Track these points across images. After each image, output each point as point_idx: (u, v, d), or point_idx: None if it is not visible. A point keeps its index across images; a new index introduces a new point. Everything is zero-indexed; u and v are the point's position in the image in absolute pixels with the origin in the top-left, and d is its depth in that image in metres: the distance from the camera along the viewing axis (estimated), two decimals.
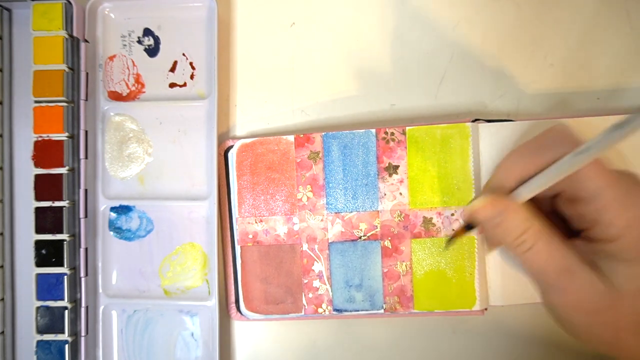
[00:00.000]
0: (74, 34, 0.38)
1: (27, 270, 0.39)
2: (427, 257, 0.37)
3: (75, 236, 0.39)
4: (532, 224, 0.29)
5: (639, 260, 0.27)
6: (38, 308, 0.38)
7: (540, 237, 0.29)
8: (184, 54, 0.40)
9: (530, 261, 0.29)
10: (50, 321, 0.38)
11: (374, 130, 0.38)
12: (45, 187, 0.38)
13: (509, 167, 0.30)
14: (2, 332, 0.39)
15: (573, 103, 0.39)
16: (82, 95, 0.38)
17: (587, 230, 0.29)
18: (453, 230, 0.37)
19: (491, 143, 0.37)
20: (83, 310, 0.38)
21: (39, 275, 0.38)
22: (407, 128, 0.38)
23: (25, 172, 0.39)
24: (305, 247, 0.38)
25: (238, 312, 0.39)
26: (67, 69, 0.38)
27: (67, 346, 0.38)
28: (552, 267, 0.28)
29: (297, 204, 0.38)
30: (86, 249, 0.39)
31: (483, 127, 0.37)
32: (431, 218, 0.37)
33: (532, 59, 0.39)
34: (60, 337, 0.38)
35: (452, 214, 0.37)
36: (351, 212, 0.38)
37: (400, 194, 0.38)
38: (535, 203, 0.30)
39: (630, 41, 0.39)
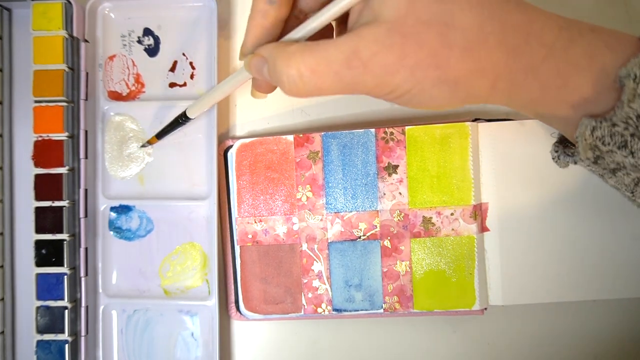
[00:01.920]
0: (74, 33, 0.38)
1: (27, 270, 0.39)
2: (427, 257, 0.37)
3: (75, 236, 0.39)
4: (284, 51, 0.26)
5: None
6: (38, 308, 0.38)
7: (295, 56, 0.25)
8: (184, 54, 0.40)
9: (314, 84, 0.25)
10: (50, 321, 0.38)
11: (373, 130, 0.38)
12: (45, 187, 0.38)
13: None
14: (2, 332, 0.39)
15: None
16: (82, 95, 0.38)
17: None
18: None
19: (491, 143, 0.37)
20: (83, 310, 0.38)
21: (39, 275, 0.38)
22: (407, 128, 0.38)
23: (25, 172, 0.39)
24: (304, 246, 0.38)
25: (238, 312, 0.39)
26: (67, 69, 0.38)
27: (67, 346, 0.38)
28: (336, 66, 0.25)
29: (297, 204, 0.38)
30: (86, 249, 0.39)
31: (483, 126, 0.37)
32: (431, 217, 0.37)
33: None
34: (60, 337, 0.38)
35: (452, 214, 0.37)
36: (351, 211, 0.38)
37: (400, 193, 0.38)
38: None
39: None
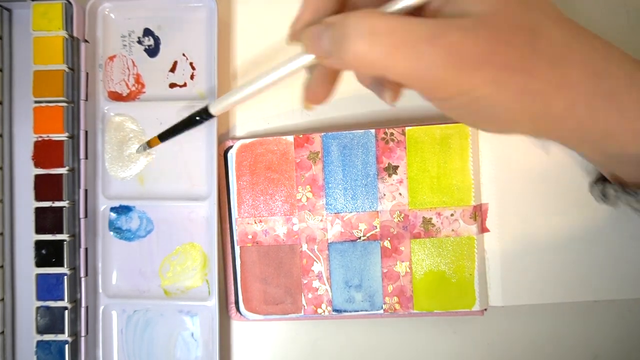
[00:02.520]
0: (74, 34, 0.38)
1: (27, 270, 0.39)
2: (427, 258, 0.37)
3: (75, 236, 0.39)
4: (359, 16, 0.22)
5: None
6: (38, 308, 0.38)
7: (375, 16, 0.22)
8: (184, 54, 0.40)
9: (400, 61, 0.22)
10: (50, 321, 0.38)
11: (373, 131, 0.38)
12: (45, 187, 0.38)
13: None
14: (2, 332, 0.39)
15: None
16: (82, 95, 0.38)
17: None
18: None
19: (491, 143, 0.37)
20: (83, 310, 0.38)
21: (39, 275, 0.38)
22: (407, 128, 0.38)
23: (25, 172, 0.39)
24: (304, 247, 0.38)
25: (238, 313, 0.39)
26: (67, 69, 0.38)
27: (67, 346, 0.38)
28: (420, 40, 0.21)
29: (297, 204, 0.38)
30: (86, 249, 0.39)
31: None
32: (431, 218, 0.37)
33: None
34: (60, 337, 0.38)
35: (452, 214, 0.37)
36: (351, 212, 0.38)
37: (400, 194, 0.38)
38: None
39: (630, 41, 0.39)
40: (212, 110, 0.29)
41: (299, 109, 0.41)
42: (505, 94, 0.22)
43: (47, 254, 0.38)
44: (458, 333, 0.40)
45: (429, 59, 0.21)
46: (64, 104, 0.38)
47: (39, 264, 0.38)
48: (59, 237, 0.38)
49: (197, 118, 0.30)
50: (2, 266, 0.39)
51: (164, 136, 0.33)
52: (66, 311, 0.38)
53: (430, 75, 0.22)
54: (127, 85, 0.40)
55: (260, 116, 0.41)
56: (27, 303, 0.39)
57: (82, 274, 0.38)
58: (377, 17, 0.22)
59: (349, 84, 0.40)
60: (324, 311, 0.38)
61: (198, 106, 0.39)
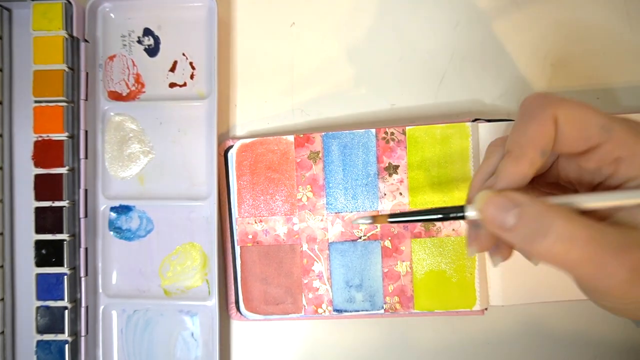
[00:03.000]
0: (74, 34, 0.38)
1: (27, 270, 0.39)
2: (427, 257, 0.37)
3: (75, 236, 0.39)
4: (559, 210, 0.23)
5: None
6: (38, 308, 0.38)
7: (575, 222, 0.23)
8: (184, 54, 0.40)
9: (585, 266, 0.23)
10: (50, 321, 0.38)
11: (374, 130, 0.38)
12: (45, 187, 0.38)
13: (538, 129, 0.25)
14: (2, 332, 0.39)
15: None
16: (82, 95, 0.38)
17: (608, 179, 0.26)
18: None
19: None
20: (83, 310, 0.38)
21: (39, 275, 0.38)
22: (407, 128, 0.38)
23: (25, 172, 0.39)
24: (305, 247, 0.38)
25: (238, 313, 0.39)
26: (67, 69, 0.38)
27: (67, 346, 0.38)
28: (607, 250, 0.23)
29: (297, 204, 0.38)
30: (86, 249, 0.39)
31: (483, 126, 0.37)
32: None
33: (532, 59, 0.39)
34: (60, 337, 0.38)
35: None
36: (351, 212, 0.38)
37: (400, 194, 0.38)
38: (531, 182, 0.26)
39: (630, 41, 0.39)
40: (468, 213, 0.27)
41: (299, 108, 0.41)
42: None
43: (47, 253, 0.38)
44: (458, 333, 0.39)
45: (612, 271, 0.23)
46: (64, 104, 0.38)
47: (39, 263, 0.38)
48: (59, 237, 0.38)
49: (450, 215, 0.27)
50: (2, 266, 0.39)
51: (396, 218, 0.29)
52: (66, 311, 0.38)
53: (608, 283, 0.24)
54: (127, 85, 0.40)
55: (260, 116, 0.41)
56: (27, 303, 0.39)
57: (82, 273, 0.38)
58: (577, 223, 0.23)
59: (348, 84, 0.41)
60: (324, 311, 0.38)
61: (198, 106, 0.39)
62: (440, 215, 0.27)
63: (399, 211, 0.34)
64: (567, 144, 0.25)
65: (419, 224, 0.37)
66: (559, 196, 0.25)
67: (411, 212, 0.29)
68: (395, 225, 0.38)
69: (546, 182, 0.29)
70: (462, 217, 0.26)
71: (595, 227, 0.23)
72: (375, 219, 0.29)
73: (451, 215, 0.27)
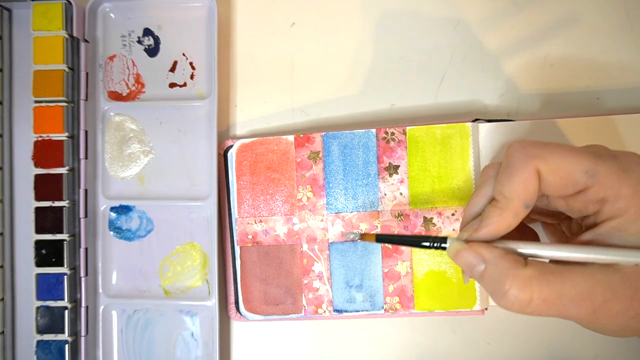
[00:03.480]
0: (74, 34, 0.38)
1: (27, 270, 0.39)
2: (428, 258, 0.37)
3: (75, 236, 0.39)
4: (517, 272, 0.26)
5: None
6: (38, 308, 0.38)
7: (531, 282, 0.25)
8: (184, 54, 0.40)
9: (532, 312, 0.26)
10: (50, 321, 0.38)
11: (374, 130, 0.38)
12: (45, 187, 0.38)
13: (523, 182, 0.26)
14: (2, 332, 0.39)
15: (573, 103, 0.39)
16: (82, 95, 0.38)
17: (593, 215, 0.27)
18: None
19: (491, 143, 0.37)
20: (83, 310, 0.38)
21: (39, 275, 0.38)
22: (408, 128, 0.38)
23: (25, 172, 0.39)
24: (305, 247, 0.38)
25: (238, 313, 0.39)
26: (67, 69, 0.38)
27: (67, 346, 0.38)
28: (566, 300, 0.25)
29: (297, 204, 0.38)
30: (86, 249, 0.39)
31: (483, 127, 0.37)
32: (432, 218, 0.37)
33: (532, 59, 0.39)
34: (60, 337, 0.38)
35: (453, 214, 0.37)
36: (351, 212, 0.38)
37: (401, 194, 0.38)
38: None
39: (630, 41, 0.39)
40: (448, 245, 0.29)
41: (299, 108, 0.41)
42: (630, 332, 0.27)
43: (47, 253, 0.38)
44: (458, 333, 0.39)
45: (572, 314, 0.26)
46: (64, 104, 0.38)
47: (39, 263, 0.38)
48: (59, 237, 0.38)
49: (429, 244, 0.30)
50: (2, 266, 0.39)
51: (383, 239, 0.33)
52: (66, 311, 0.38)
53: (569, 318, 0.26)
54: (127, 85, 0.40)
55: (260, 116, 0.41)
56: (27, 303, 0.39)
57: (82, 273, 0.38)
58: (536, 283, 0.25)
59: (348, 84, 0.41)
60: (324, 311, 0.38)
61: (198, 106, 0.39)
62: (425, 243, 0.29)
63: (387, 233, 0.36)
64: (552, 191, 0.27)
65: (420, 224, 0.37)
66: (527, 244, 0.27)
67: (398, 236, 0.33)
68: (395, 225, 0.38)
69: (536, 209, 0.30)
70: (444, 248, 0.29)
71: (555, 282, 0.25)
72: (363, 236, 0.33)
73: (434, 245, 0.29)
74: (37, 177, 0.38)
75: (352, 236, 0.33)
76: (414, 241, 0.31)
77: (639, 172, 0.26)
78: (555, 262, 0.27)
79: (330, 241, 0.38)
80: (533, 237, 0.32)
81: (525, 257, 0.27)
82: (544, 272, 0.26)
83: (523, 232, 0.32)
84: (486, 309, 0.38)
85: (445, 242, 0.29)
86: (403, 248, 0.37)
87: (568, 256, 0.26)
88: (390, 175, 0.38)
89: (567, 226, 0.32)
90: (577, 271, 0.26)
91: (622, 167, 0.26)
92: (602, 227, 0.27)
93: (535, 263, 0.26)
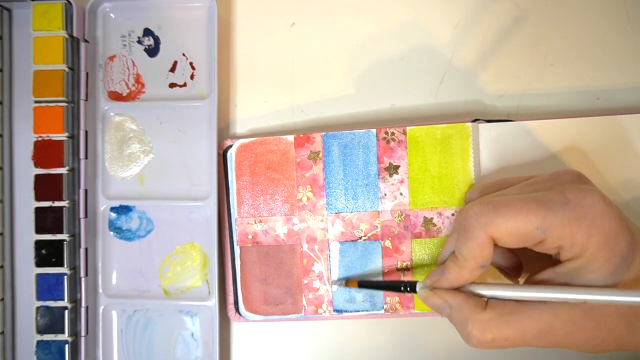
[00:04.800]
0: (74, 34, 0.38)
1: (27, 270, 0.39)
2: (428, 258, 0.37)
3: (75, 236, 0.39)
4: (477, 317, 0.28)
5: (607, 267, 0.27)
6: (38, 308, 0.38)
7: (490, 325, 0.28)
8: (184, 54, 0.40)
9: (498, 345, 0.29)
10: (50, 321, 0.38)
11: (374, 130, 0.38)
12: (45, 187, 0.38)
13: (481, 247, 0.29)
14: (2, 332, 0.39)
15: (573, 103, 0.39)
16: (82, 95, 0.38)
17: (555, 254, 0.29)
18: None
19: (491, 143, 0.37)
20: (83, 310, 0.38)
21: (39, 275, 0.38)
22: (408, 128, 0.38)
23: (25, 172, 0.39)
24: (305, 247, 0.38)
25: (237, 314, 0.39)
26: (67, 69, 0.38)
27: (67, 346, 0.38)
28: (528, 336, 0.28)
29: (297, 204, 0.38)
30: (86, 249, 0.39)
31: (483, 127, 0.37)
32: (432, 218, 0.37)
33: (532, 59, 0.39)
34: (60, 337, 0.38)
35: (453, 214, 0.37)
36: (351, 212, 0.38)
37: (401, 194, 0.38)
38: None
39: (630, 41, 0.39)
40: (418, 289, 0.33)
41: (299, 108, 0.41)
42: (597, 351, 0.29)
43: (47, 254, 0.38)
44: (458, 333, 0.39)
45: (536, 345, 0.28)
46: (64, 104, 0.38)
47: (39, 264, 0.38)
48: (59, 237, 0.38)
49: (402, 288, 0.34)
50: (2, 266, 0.39)
51: (364, 285, 0.37)
52: (66, 311, 0.38)
53: (540, 347, 0.29)
54: (127, 85, 0.40)
55: (260, 116, 0.41)
56: (27, 303, 0.39)
57: (82, 274, 0.38)
58: (496, 325, 0.28)
59: (348, 84, 0.41)
60: (324, 311, 0.38)
61: (198, 106, 0.39)
62: (401, 288, 0.34)
63: (367, 280, 0.38)
64: (511, 245, 0.29)
65: (420, 224, 0.37)
66: (488, 286, 0.30)
67: (376, 282, 0.37)
68: (395, 225, 0.38)
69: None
70: (415, 292, 0.33)
71: (515, 322, 0.28)
72: (347, 283, 0.37)
73: (409, 290, 0.33)
74: (37, 177, 0.38)
75: (337, 284, 0.38)
76: (391, 286, 0.35)
77: (592, 217, 0.27)
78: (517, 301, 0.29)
79: (330, 241, 0.38)
80: (516, 263, 0.34)
81: (486, 299, 0.29)
82: (503, 313, 0.28)
83: (508, 257, 0.34)
84: None
85: (416, 288, 0.33)
86: (403, 248, 0.38)
87: (524, 296, 0.28)
88: (391, 175, 0.38)
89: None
90: (537, 308, 0.28)
91: (573, 214, 0.27)
92: (563, 266, 0.28)
93: (495, 305, 0.29)
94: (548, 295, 0.28)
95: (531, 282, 0.30)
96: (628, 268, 0.27)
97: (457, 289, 0.31)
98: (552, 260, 0.30)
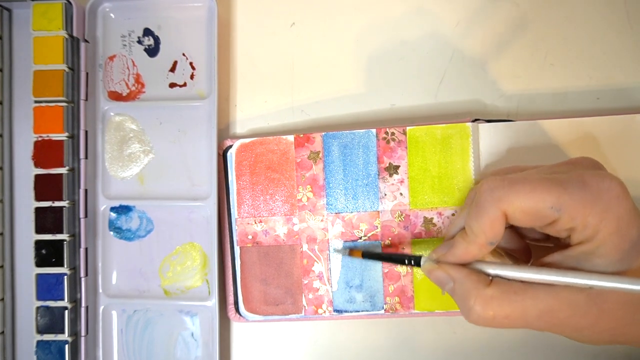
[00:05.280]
0: (74, 34, 0.38)
1: (27, 270, 0.39)
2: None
3: (75, 236, 0.39)
4: (480, 292, 0.28)
5: (616, 253, 0.27)
6: (38, 308, 0.38)
7: (492, 301, 0.28)
8: (184, 54, 0.40)
9: (494, 323, 0.28)
10: (50, 321, 0.38)
11: (374, 130, 0.38)
12: (45, 187, 0.38)
13: (493, 221, 0.28)
14: (2, 332, 0.39)
15: (573, 103, 0.39)
16: (82, 95, 0.38)
17: (565, 239, 0.29)
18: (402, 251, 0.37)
19: (491, 143, 0.37)
20: (83, 310, 0.38)
21: (39, 275, 0.38)
22: (408, 128, 0.38)
23: (25, 172, 0.39)
24: (305, 247, 0.38)
25: (237, 314, 0.39)
26: (67, 69, 0.38)
27: (67, 346, 0.38)
28: (529, 316, 0.28)
29: (297, 204, 0.38)
30: (86, 249, 0.39)
31: (483, 127, 0.37)
32: (432, 218, 0.37)
33: (532, 59, 0.39)
34: (60, 337, 0.38)
35: (453, 214, 0.37)
36: (351, 212, 0.38)
37: (401, 194, 0.38)
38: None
39: (630, 41, 0.39)
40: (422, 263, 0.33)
41: (299, 107, 0.41)
42: (598, 342, 0.29)
43: (47, 254, 0.38)
44: (458, 333, 0.39)
45: (536, 327, 0.28)
46: (64, 104, 0.38)
47: (39, 264, 0.38)
48: (59, 237, 0.38)
49: (406, 261, 0.34)
50: (2, 266, 0.39)
51: (368, 256, 0.36)
52: (66, 311, 0.38)
53: (541, 331, 0.29)
54: (127, 85, 0.40)
55: (260, 116, 0.41)
56: (27, 303, 0.39)
57: (82, 274, 0.38)
58: (498, 302, 0.28)
59: (348, 84, 0.41)
60: (324, 312, 0.38)
61: (198, 106, 0.39)
62: (405, 261, 0.34)
63: (372, 251, 0.38)
64: (522, 224, 0.29)
65: (420, 224, 0.37)
66: (493, 265, 0.30)
67: (380, 254, 0.36)
68: (395, 225, 0.38)
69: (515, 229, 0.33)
70: (419, 266, 0.33)
71: (516, 301, 0.27)
72: (352, 252, 0.37)
73: (413, 263, 0.33)
74: (37, 177, 0.38)
75: (341, 251, 0.38)
76: (395, 259, 0.35)
77: (607, 200, 0.27)
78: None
79: (330, 241, 0.38)
80: (525, 247, 0.33)
81: (491, 277, 0.29)
82: (506, 291, 0.28)
83: (516, 241, 0.33)
84: None
85: (420, 261, 0.32)
86: (403, 248, 0.37)
87: (530, 277, 0.28)
88: (391, 175, 0.38)
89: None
90: (542, 290, 0.27)
91: (589, 196, 0.27)
92: (572, 250, 0.28)
93: (499, 283, 0.28)
94: (555, 279, 0.27)
95: (538, 265, 0.30)
96: (637, 256, 0.27)
97: (463, 265, 0.30)
98: (557, 249, 0.30)
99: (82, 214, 0.38)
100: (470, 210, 0.29)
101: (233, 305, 0.39)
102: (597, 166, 0.30)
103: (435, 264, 0.31)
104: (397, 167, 0.38)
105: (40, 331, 0.38)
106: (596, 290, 0.27)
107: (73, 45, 0.38)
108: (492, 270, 0.29)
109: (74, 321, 0.38)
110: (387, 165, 0.38)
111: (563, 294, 0.27)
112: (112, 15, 0.40)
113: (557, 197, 0.27)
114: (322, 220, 0.38)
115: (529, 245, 0.33)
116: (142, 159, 0.40)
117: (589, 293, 0.27)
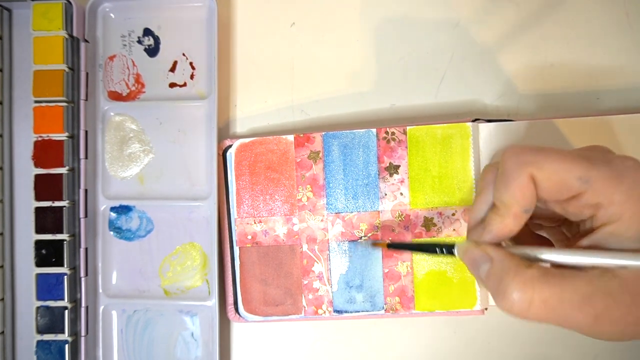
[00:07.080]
0: (74, 34, 0.38)
1: (27, 270, 0.39)
2: (428, 258, 0.37)
3: (75, 236, 0.39)
4: (520, 271, 0.26)
5: None
6: (38, 308, 0.38)
7: (533, 282, 0.26)
8: (184, 54, 0.40)
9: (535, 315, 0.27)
10: (50, 321, 0.38)
11: (374, 130, 0.38)
12: (45, 187, 0.38)
13: (523, 188, 0.27)
14: (2, 332, 0.39)
15: (573, 103, 0.39)
16: (82, 95, 0.38)
17: (589, 220, 0.28)
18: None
19: (491, 143, 0.37)
20: (83, 310, 0.38)
21: (39, 275, 0.38)
22: (408, 128, 0.38)
23: (25, 172, 0.39)
24: (305, 247, 0.38)
25: (237, 314, 0.39)
26: (67, 69, 0.38)
27: (67, 346, 0.38)
28: (567, 304, 0.26)
29: (297, 204, 0.38)
30: (86, 249, 0.39)
31: (483, 127, 0.37)
32: (432, 218, 0.37)
33: (532, 59, 0.39)
34: (60, 337, 0.38)
35: (453, 214, 0.37)
36: (352, 212, 0.38)
37: (401, 194, 0.38)
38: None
39: (630, 41, 0.39)
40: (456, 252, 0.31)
41: (299, 107, 0.41)
42: (628, 337, 0.27)
43: (47, 253, 0.38)
44: (458, 333, 0.39)
45: (575, 321, 0.26)
46: (64, 104, 0.38)
47: (39, 263, 0.38)
48: (59, 237, 0.38)
49: (437, 250, 0.32)
50: (2, 266, 0.39)
51: (394, 246, 0.36)
52: (66, 311, 0.38)
53: (571, 326, 0.26)
54: (127, 85, 0.40)
55: (260, 116, 0.41)
56: (27, 303, 0.39)
57: (82, 273, 0.38)
58: (536, 285, 0.26)
59: (348, 83, 0.41)
60: (324, 312, 0.38)
61: (198, 106, 0.39)
62: (436, 250, 0.31)
63: (399, 241, 0.37)
64: (547, 195, 0.27)
65: (420, 224, 0.37)
66: (532, 248, 0.28)
67: (407, 244, 0.35)
68: (395, 225, 0.38)
69: (535, 211, 0.31)
70: (453, 253, 0.30)
71: (556, 285, 0.26)
72: (375, 243, 0.36)
73: (445, 251, 0.31)
74: (37, 177, 0.38)
75: (365, 243, 0.37)
76: (424, 248, 0.33)
77: (634, 178, 0.26)
78: (557, 268, 0.27)
79: (330, 241, 0.38)
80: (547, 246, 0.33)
81: (530, 261, 0.27)
82: (546, 274, 0.26)
83: (537, 240, 0.33)
84: (486, 309, 0.38)
85: (454, 248, 0.30)
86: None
87: (571, 259, 0.27)
88: (391, 175, 0.38)
89: (567, 228, 0.32)
90: (578, 276, 0.26)
91: (615, 173, 0.26)
92: (598, 232, 0.27)
93: (538, 266, 0.27)
94: (600, 260, 0.26)
95: None
96: None
97: (500, 246, 0.28)
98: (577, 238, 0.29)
99: (82, 214, 0.38)
100: (496, 183, 0.28)
101: (232, 306, 0.39)
102: (610, 152, 0.29)
103: (473, 244, 0.29)
104: (398, 166, 0.38)
105: (40, 331, 0.38)
106: (626, 277, 0.26)
107: (73, 45, 0.38)
108: (531, 253, 0.28)
109: (74, 321, 0.38)
110: (388, 165, 0.38)
111: (598, 282, 0.26)
112: (112, 15, 0.40)
113: (586, 169, 0.26)
114: (322, 220, 0.38)
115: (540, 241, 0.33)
116: (142, 159, 0.40)
117: (621, 280, 0.26)
